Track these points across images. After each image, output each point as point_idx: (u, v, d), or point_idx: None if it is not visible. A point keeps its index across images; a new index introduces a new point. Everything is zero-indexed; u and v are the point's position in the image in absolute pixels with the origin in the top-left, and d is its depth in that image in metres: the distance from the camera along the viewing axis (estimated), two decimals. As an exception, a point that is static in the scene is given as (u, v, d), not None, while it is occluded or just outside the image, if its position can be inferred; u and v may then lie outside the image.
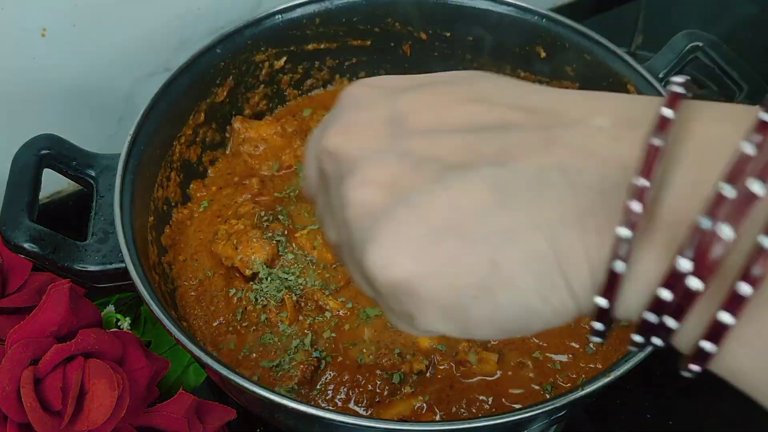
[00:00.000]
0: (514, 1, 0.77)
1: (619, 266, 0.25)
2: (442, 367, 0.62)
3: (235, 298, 0.66)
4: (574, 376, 0.62)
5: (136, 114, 0.67)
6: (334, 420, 0.51)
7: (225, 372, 0.52)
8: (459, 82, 0.31)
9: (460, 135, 0.29)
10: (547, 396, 0.60)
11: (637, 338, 0.27)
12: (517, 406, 0.60)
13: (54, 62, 0.77)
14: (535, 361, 0.62)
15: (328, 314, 0.64)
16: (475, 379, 0.61)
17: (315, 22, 0.79)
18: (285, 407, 0.51)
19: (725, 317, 0.23)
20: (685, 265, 0.24)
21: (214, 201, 0.75)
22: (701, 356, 0.25)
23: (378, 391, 0.60)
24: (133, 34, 0.80)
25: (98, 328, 0.61)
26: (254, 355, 0.63)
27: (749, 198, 0.23)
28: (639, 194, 0.24)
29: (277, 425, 0.63)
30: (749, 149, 0.23)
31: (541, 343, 0.63)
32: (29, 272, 0.67)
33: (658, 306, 0.25)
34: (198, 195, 0.75)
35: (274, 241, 0.68)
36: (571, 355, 0.63)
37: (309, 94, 0.85)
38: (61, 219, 0.72)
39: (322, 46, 0.81)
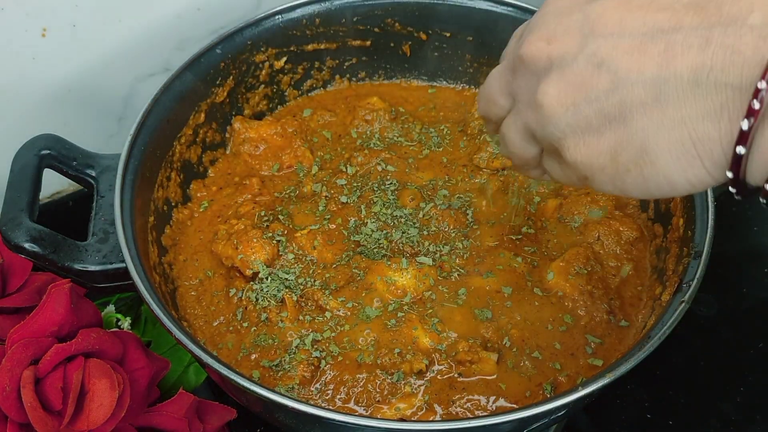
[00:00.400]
0: (514, 1, 0.77)
1: (741, 149, 0.33)
2: (442, 367, 0.62)
3: (236, 298, 0.66)
4: (574, 375, 0.62)
5: (136, 114, 0.67)
6: (334, 419, 0.51)
7: (225, 372, 0.52)
8: None
9: (634, 37, 0.36)
10: (547, 396, 0.60)
11: (762, 200, 0.35)
12: (517, 406, 0.60)
13: (54, 62, 0.77)
14: (535, 361, 0.62)
15: (328, 314, 0.64)
16: (474, 379, 0.61)
17: (315, 23, 0.79)
18: (285, 407, 0.51)
19: None
20: None
21: (215, 201, 0.75)
22: None
23: (378, 390, 0.60)
24: (133, 34, 0.80)
25: (98, 328, 0.61)
26: (254, 354, 0.63)
27: None
28: (759, 94, 0.32)
29: (278, 425, 0.63)
30: None
31: (541, 343, 0.63)
32: (29, 272, 0.67)
33: None
34: (198, 195, 0.75)
35: (274, 241, 0.68)
36: (571, 355, 0.63)
37: (309, 94, 0.85)
38: (61, 219, 0.73)
39: (322, 47, 0.81)
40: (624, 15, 0.37)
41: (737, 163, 0.34)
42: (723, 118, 0.34)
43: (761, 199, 0.35)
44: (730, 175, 0.34)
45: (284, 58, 0.80)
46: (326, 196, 0.73)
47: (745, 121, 0.32)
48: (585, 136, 0.38)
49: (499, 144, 0.49)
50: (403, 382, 0.60)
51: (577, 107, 0.38)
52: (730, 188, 0.36)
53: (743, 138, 0.33)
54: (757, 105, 0.32)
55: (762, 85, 0.32)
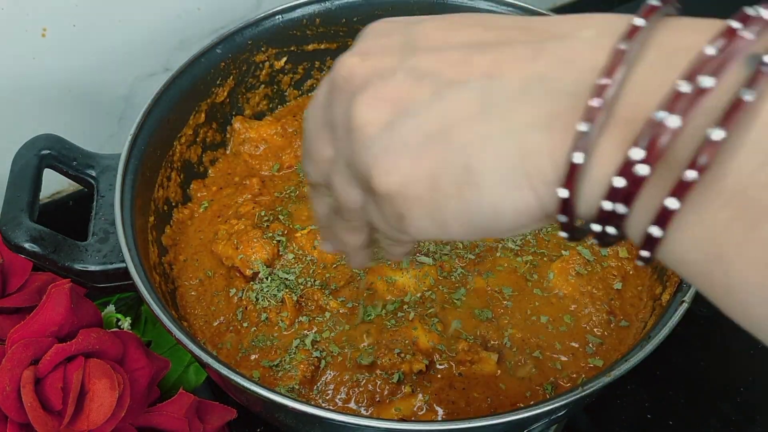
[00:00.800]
0: (514, 1, 0.77)
1: (578, 157, 0.28)
2: (442, 367, 0.62)
3: (236, 298, 0.66)
4: (574, 375, 0.62)
5: (136, 114, 0.67)
6: (335, 420, 0.51)
7: (225, 372, 0.52)
8: (472, 15, 0.35)
9: (460, 50, 0.32)
10: (548, 396, 0.60)
11: (596, 227, 0.29)
12: (517, 406, 0.60)
13: (54, 62, 0.77)
14: (535, 361, 0.62)
15: (327, 314, 0.64)
16: (474, 379, 0.61)
17: (315, 23, 0.79)
18: (285, 407, 0.51)
19: (671, 202, 0.26)
20: (637, 154, 0.26)
21: (215, 201, 0.75)
22: (650, 242, 0.27)
23: (378, 391, 0.60)
24: (133, 34, 0.80)
25: (99, 328, 0.61)
26: (254, 354, 0.63)
27: (700, 92, 0.25)
28: (599, 92, 0.27)
29: (278, 425, 0.63)
30: (711, 51, 0.25)
31: (541, 343, 0.63)
32: (29, 272, 0.67)
33: (612, 194, 0.28)
34: (198, 195, 0.75)
35: (275, 241, 0.68)
36: (571, 355, 0.63)
37: (309, 94, 0.85)
38: (61, 219, 0.73)
39: (323, 47, 0.81)
40: (448, 33, 0.33)
41: (571, 177, 0.28)
42: (555, 126, 0.29)
43: (594, 228, 0.30)
44: (564, 194, 0.29)
45: (284, 58, 0.80)
46: (326, 196, 0.73)
47: (583, 123, 0.27)
48: (399, 160, 0.32)
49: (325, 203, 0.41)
50: (403, 383, 0.60)
51: (393, 125, 0.32)
52: (559, 218, 0.30)
53: (580, 144, 0.28)
54: (596, 103, 0.27)
55: (604, 81, 0.27)
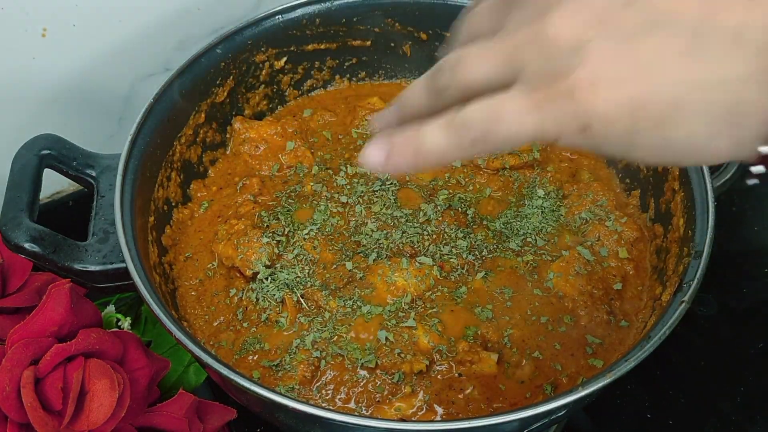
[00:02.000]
0: None
1: None
2: (442, 367, 0.62)
3: (236, 298, 0.66)
4: (574, 376, 0.62)
5: (136, 114, 0.67)
6: (335, 420, 0.51)
7: (225, 372, 0.52)
8: None
9: None
10: (548, 396, 0.60)
11: None
12: (517, 406, 0.60)
13: (54, 62, 0.77)
14: (535, 361, 0.62)
15: (327, 314, 0.64)
16: (475, 380, 0.61)
17: (315, 23, 0.79)
18: (285, 407, 0.51)
19: None
20: None
21: (215, 201, 0.75)
22: None
23: (378, 391, 0.60)
24: (133, 34, 0.80)
25: (99, 328, 0.61)
26: (254, 354, 0.63)
27: None
28: None
29: (278, 425, 0.63)
30: None
31: (541, 343, 0.63)
32: (29, 272, 0.67)
33: None
34: (198, 195, 0.75)
35: (274, 241, 0.68)
36: (571, 355, 0.63)
37: (309, 94, 0.85)
38: (61, 219, 0.73)
39: (323, 47, 0.81)
40: None
41: None
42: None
43: None
44: (766, 149, 0.31)
45: (284, 58, 0.80)
46: (326, 196, 0.73)
47: None
48: (603, 82, 0.32)
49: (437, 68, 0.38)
50: (403, 383, 0.60)
51: (596, 45, 0.32)
52: (755, 169, 0.32)
53: None
54: None
55: None
